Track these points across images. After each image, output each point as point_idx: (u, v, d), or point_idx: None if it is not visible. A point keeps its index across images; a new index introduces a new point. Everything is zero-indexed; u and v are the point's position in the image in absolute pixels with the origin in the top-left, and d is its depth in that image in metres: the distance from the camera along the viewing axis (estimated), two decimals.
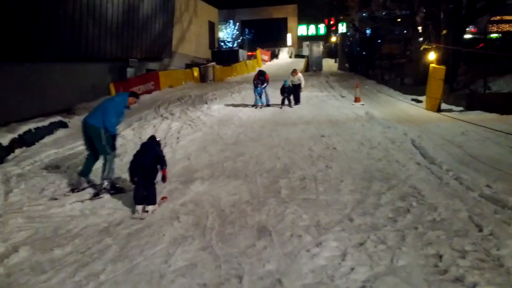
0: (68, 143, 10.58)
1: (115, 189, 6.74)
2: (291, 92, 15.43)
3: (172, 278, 3.94)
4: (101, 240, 4.91)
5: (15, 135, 10.19)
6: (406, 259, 4.05)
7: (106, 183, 6.71)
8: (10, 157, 9.57)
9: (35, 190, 6.96)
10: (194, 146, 9.88)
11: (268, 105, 15.67)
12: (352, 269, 3.92)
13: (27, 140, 10.45)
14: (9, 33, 12.94)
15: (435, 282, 3.64)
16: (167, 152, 9.32)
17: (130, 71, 20.70)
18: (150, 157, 5.84)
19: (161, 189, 6.76)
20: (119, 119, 6.99)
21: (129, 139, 10.93)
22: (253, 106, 15.39)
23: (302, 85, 16.09)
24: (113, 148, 6.90)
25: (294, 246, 4.46)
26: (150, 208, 5.71)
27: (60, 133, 12.13)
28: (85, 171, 7.08)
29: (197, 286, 3.79)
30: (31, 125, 11.09)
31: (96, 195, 6.61)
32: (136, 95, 7.27)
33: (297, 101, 15.78)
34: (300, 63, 35.25)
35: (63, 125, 12.55)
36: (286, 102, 15.48)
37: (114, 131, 6.83)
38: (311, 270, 3.95)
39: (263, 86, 15.52)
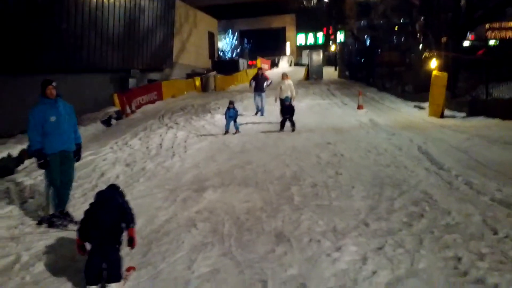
0: None
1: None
2: (293, 111, 12.51)
3: (197, 284, 4.01)
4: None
5: (24, 146, 10.26)
6: (425, 262, 4.13)
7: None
8: (20, 168, 9.65)
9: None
10: (202, 155, 9.96)
11: (261, 114, 15.57)
12: (374, 272, 3.99)
13: None
14: (12, 45, 13.07)
15: (457, 284, 3.72)
16: (175, 161, 9.42)
17: (132, 82, 20.87)
18: (111, 212, 4.16)
19: (175, 197, 6.87)
20: (46, 129, 5.76)
21: (136, 149, 11.01)
22: (224, 133, 12.45)
23: (293, 95, 14.22)
24: (47, 171, 5.91)
25: (314, 251, 4.54)
26: (113, 286, 3.98)
27: None
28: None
29: None
30: None
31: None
32: (48, 83, 5.86)
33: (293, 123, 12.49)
34: (300, 72, 35.48)
35: None
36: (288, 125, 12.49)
37: (32, 147, 5.81)
38: (333, 274, 4.02)
39: (267, 83, 15.50)
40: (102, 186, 7.71)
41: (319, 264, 4.25)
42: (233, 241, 4.97)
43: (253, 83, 15.90)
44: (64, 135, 5.94)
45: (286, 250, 4.61)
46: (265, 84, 15.61)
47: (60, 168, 5.96)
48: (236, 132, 12.47)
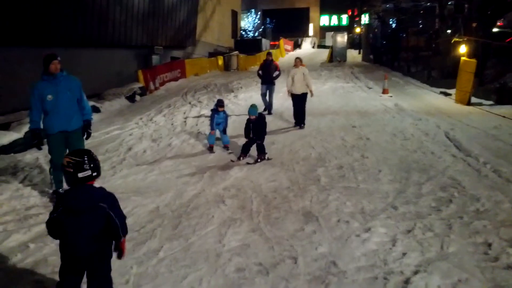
0: (102, 128, 10.77)
1: None
2: (261, 132, 7.91)
3: (228, 257, 4.10)
4: (152, 220, 5.09)
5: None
6: (455, 246, 4.14)
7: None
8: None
9: None
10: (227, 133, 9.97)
11: (269, 113, 12.09)
12: (404, 254, 4.03)
13: None
14: (38, 18, 13.12)
15: (487, 269, 3.73)
16: (201, 139, 9.46)
17: (155, 59, 20.91)
18: (92, 230, 2.82)
19: (202, 173, 6.95)
20: (45, 108, 5.46)
21: (161, 125, 11.12)
22: (208, 148, 8.54)
23: (311, 87, 10.56)
24: (48, 150, 5.72)
25: (343, 231, 4.58)
26: None
27: (93, 117, 12.34)
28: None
29: (254, 265, 3.94)
30: None
31: None
32: (52, 57, 5.40)
33: (302, 121, 10.42)
34: (323, 54, 35.13)
35: (96, 110, 12.71)
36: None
37: (30, 125, 5.59)
38: (363, 254, 4.06)
39: (275, 74, 12.21)
40: (130, 160, 7.91)
41: (348, 243, 4.29)
42: (262, 218, 5.04)
43: (261, 73, 12.49)
44: (63, 115, 5.54)
45: (315, 229, 4.66)
46: (274, 74, 12.32)
47: (66, 148, 5.66)
48: (226, 147, 8.68)
